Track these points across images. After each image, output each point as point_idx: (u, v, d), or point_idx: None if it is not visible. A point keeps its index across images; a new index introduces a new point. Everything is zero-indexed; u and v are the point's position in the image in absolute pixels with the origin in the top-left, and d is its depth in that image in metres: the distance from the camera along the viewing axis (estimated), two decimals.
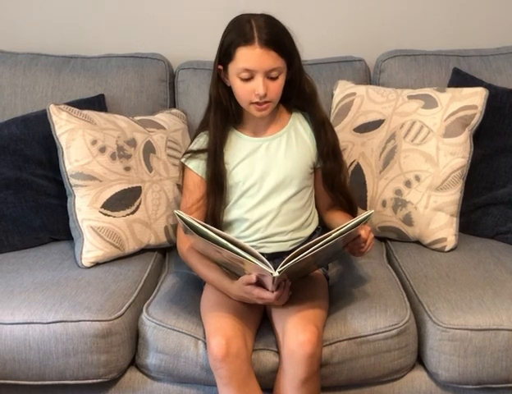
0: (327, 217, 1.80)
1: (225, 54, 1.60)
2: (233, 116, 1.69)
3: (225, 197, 1.71)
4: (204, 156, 1.72)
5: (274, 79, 1.59)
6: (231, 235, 1.51)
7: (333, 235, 1.45)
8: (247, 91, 1.60)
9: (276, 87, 1.61)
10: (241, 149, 1.71)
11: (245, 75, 1.58)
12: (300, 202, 1.73)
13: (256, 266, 1.43)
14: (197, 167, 1.74)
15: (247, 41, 1.55)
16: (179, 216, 1.50)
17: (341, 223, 1.54)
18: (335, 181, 1.74)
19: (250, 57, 1.56)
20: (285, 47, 1.60)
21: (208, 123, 1.72)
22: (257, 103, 1.60)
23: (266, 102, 1.61)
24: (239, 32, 1.57)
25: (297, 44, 1.63)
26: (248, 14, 1.61)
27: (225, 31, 1.62)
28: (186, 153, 1.77)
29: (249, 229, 1.71)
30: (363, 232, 1.55)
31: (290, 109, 1.75)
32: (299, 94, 1.70)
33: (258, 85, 1.57)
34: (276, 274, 1.41)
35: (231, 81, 1.62)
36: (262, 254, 1.67)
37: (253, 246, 1.67)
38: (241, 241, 1.48)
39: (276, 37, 1.57)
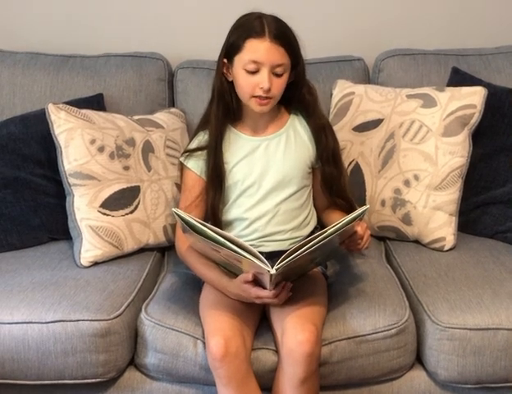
0: (325, 217, 1.80)
1: (232, 46, 1.61)
2: (233, 112, 1.70)
3: (224, 194, 1.71)
4: (203, 155, 1.73)
5: (278, 76, 1.61)
6: (230, 234, 1.51)
7: (329, 231, 1.45)
8: (251, 84, 1.60)
9: (280, 84, 1.62)
10: (240, 149, 1.72)
11: (252, 67, 1.59)
12: (299, 201, 1.73)
13: (254, 264, 1.43)
14: (195, 166, 1.74)
15: (258, 33, 1.57)
16: (177, 214, 1.50)
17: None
18: (334, 186, 1.74)
19: (259, 48, 1.58)
20: (293, 46, 1.62)
21: (208, 119, 1.72)
22: (259, 97, 1.61)
23: (267, 97, 1.61)
24: (249, 26, 1.59)
25: (301, 49, 1.65)
26: (256, 12, 1.63)
27: (233, 26, 1.64)
28: (185, 152, 1.77)
29: (248, 228, 1.71)
30: (360, 229, 1.55)
31: (290, 110, 1.76)
32: (300, 99, 1.71)
33: (264, 79, 1.58)
34: (273, 271, 1.41)
35: (235, 74, 1.63)
36: (261, 252, 1.67)
37: (251, 245, 1.68)
38: (239, 240, 1.48)
39: (286, 35, 1.60)
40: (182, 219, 1.50)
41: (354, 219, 1.49)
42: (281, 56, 1.59)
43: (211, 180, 1.71)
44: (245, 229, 1.71)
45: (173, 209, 1.53)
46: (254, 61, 1.58)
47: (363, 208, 1.51)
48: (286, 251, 1.67)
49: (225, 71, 1.66)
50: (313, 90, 1.72)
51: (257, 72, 1.59)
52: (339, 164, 1.75)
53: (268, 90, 1.59)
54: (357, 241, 1.58)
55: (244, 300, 1.57)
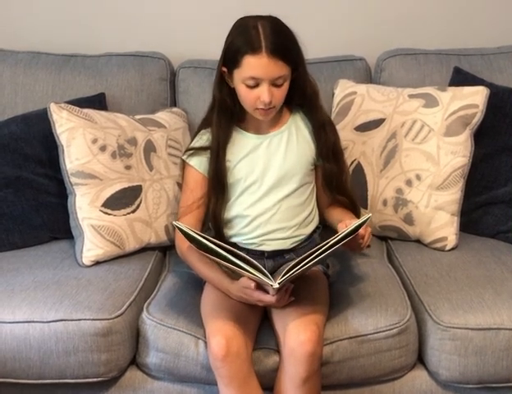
0: (328, 215, 1.79)
1: (231, 59, 1.59)
2: (236, 115, 1.69)
3: (226, 195, 1.71)
4: (206, 154, 1.72)
5: (279, 86, 1.59)
6: (232, 248, 1.52)
7: (331, 242, 1.45)
8: (252, 98, 1.60)
9: (281, 93, 1.61)
10: (243, 147, 1.71)
11: (251, 82, 1.58)
12: (301, 198, 1.73)
13: (256, 278, 1.43)
14: (199, 164, 1.74)
15: (254, 50, 1.54)
16: (178, 227, 1.50)
17: (341, 219, 1.54)
18: (334, 182, 1.74)
19: (257, 65, 1.55)
20: (292, 55, 1.59)
21: (210, 121, 1.72)
22: (261, 108, 1.61)
23: (270, 108, 1.61)
24: (246, 39, 1.56)
25: (302, 47, 1.63)
26: (254, 17, 1.60)
27: (230, 34, 1.61)
28: (188, 150, 1.77)
29: (250, 225, 1.70)
30: (361, 230, 1.55)
31: (292, 107, 1.75)
32: (301, 95, 1.70)
33: (264, 93, 1.58)
34: (276, 285, 1.41)
35: (236, 86, 1.62)
36: (263, 251, 1.67)
37: (253, 244, 1.68)
38: (241, 253, 1.49)
39: (283, 45, 1.57)
40: (184, 233, 1.50)
41: (357, 229, 1.49)
42: (279, 69, 1.57)
43: (213, 183, 1.71)
44: (246, 226, 1.71)
45: (174, 223, 1.54)
46: (253, 78, 1.57)
47: (366, 216, 1.51)
48: (288, 250, 1.67)
49: (226, 78, 1.64)
50: (314, 85, 1.71)
51: (257, 86, 1.58)
52: (340, 161, 1.75)
53: (270, 103, 1.59)
54: (358, 241, 1.58)
55: (245, 302, 1.57)
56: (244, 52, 1.55)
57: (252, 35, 1.55)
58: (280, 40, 1.56)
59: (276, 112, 1.67)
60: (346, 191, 1.76)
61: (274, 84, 1.58)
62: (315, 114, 1.72)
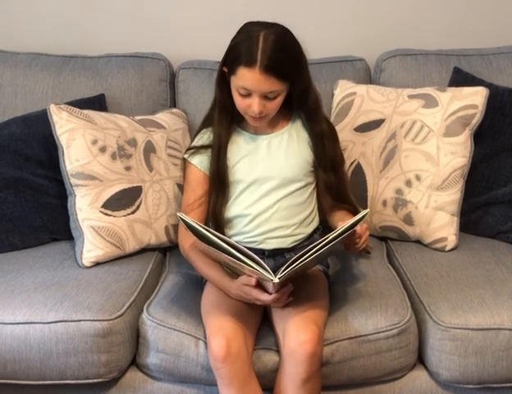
0: (331, 218, 1.78)
1: (229, 64, 1.60)
2: (237, 115, 1.70)
3: (227, 193, 1.71)
4: (207, 152, 1.73)
5: (271, 99, 1.59)
6: (233, 241, 1.52)
7: (330, 237, 1.46)
8: (244, 105, 1.61)
9: (273, 106, 1.61)
10: (243, 146, 1.72)
11: (243, 91, 1.58)
12: (301, 198, 1.73)
13: (257, 272, 1.43)
14: (200, 163, 1.74)
15: (249, 62, 1.54)
16: (181, 219, 1.51)
17: (342, 219, 1.56)
18: (333, 191, 1.74)
19: (249, 78, 1.55)
20: (288, 71, 1.58)
21: (211, 120, 1.72)
22: (253, 116, 1.61)
23: (261, 116, 1.61)
24: (244, 48, 1.55)
25: (307, 54, 1.61)
26: (260, 24, 1.58)
27: (235, 37, 1.61)
28: (189, 149, 1.77)
29: (250, 224, 1.70)
30: (359, 228, 1.56)
31: (293, 111, 1.75)
32: (301, 105, 1.70)
33: (254, 105, 1.58)
34: (276, 280, 1.42)
35: (232, 89, 1.62)
36: (263, 250, 1.67)
37: (253, 242, 1.69)
38: (243, 247, 1.48)
39: (280, 61, 1.55)
40: (187, 224, 1.50)
41: (354, 224, 1.50)
42: (271, 85, 1.56)
43: (214, 182, 1.71)
44: (247, 225, 1.70)
45: (178, 214, 1.53)
46: (245, 88, 1.57)
47: (363, 212, 1.52)
48: (288, 249, 1.68)
49: (227, 77, 1.64)
50: (316, 97, 1.70)
51: (249, 96, 1.58)
52: (339, 171, 1.75)
53: (260, 113, 1.59)
54: (355, 240, 1.58)
55: (245, 301, 1.57)
56: (240, 63, 1.56)
57: (251, 46, 1.54)
58: (278, 56, 1.54)
59: (272, 117, 1.66)
60: (346, 199, 1.76)
61: (266, 96, 1.58)
62: (314, 126, 1.72)
